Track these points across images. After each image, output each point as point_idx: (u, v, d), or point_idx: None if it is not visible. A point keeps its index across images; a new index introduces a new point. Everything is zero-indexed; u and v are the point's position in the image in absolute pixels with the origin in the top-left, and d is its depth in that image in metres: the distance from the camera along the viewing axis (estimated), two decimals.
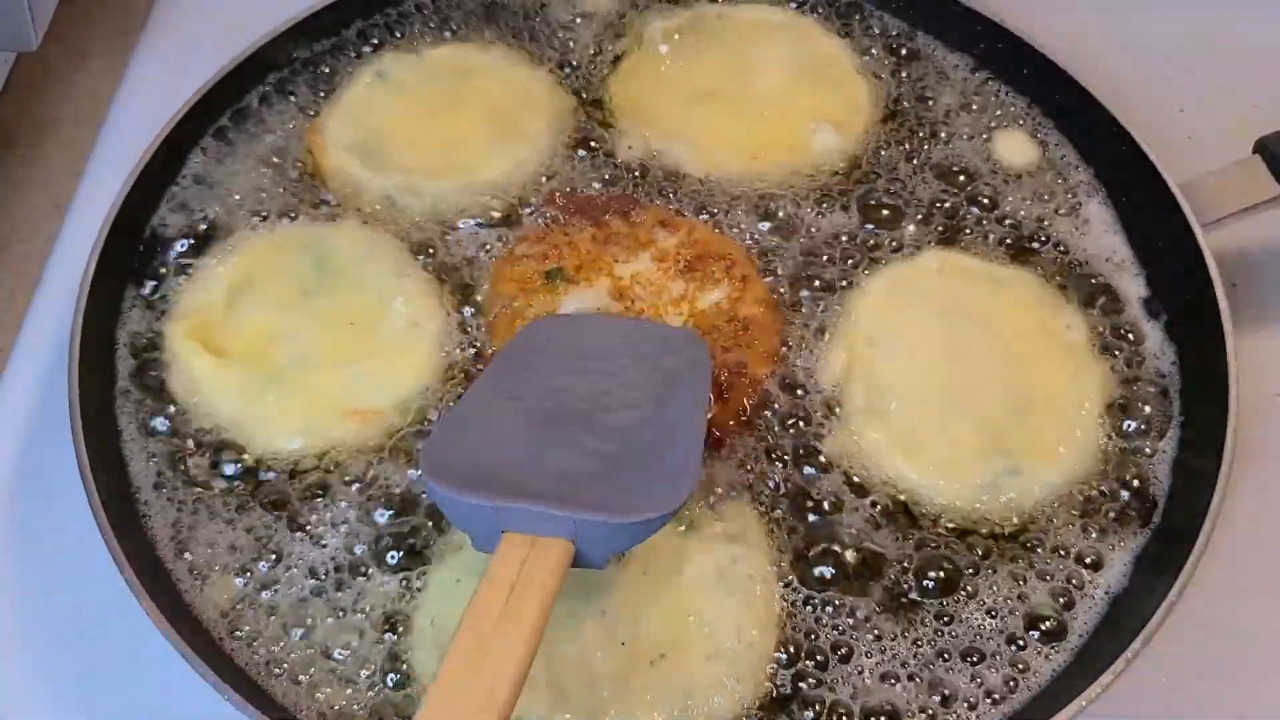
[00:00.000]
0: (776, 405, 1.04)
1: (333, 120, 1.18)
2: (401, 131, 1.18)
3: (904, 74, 1.26)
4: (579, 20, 1.28)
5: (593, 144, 1.19)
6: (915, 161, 1.20)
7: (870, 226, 1.15)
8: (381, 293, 1.07)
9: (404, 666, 0.92)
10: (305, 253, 1.10)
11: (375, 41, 1.25)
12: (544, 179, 1.16)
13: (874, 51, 1.27)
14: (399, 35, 1.26)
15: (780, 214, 1.15)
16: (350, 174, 1.15)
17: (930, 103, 1.24)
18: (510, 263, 1.10)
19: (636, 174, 1.17)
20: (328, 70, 1.23)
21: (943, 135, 1.22)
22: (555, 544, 0.79)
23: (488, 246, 1.12)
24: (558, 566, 0.78)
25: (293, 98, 1.21)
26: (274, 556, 0.97)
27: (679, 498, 0.84)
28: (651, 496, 0.83)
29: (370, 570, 0.96)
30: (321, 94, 1.21)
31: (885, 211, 1.16)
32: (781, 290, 1.10)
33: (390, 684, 0.92)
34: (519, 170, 1.16)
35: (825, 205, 1.16)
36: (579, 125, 1.21)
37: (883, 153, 1.20)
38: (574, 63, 1.25)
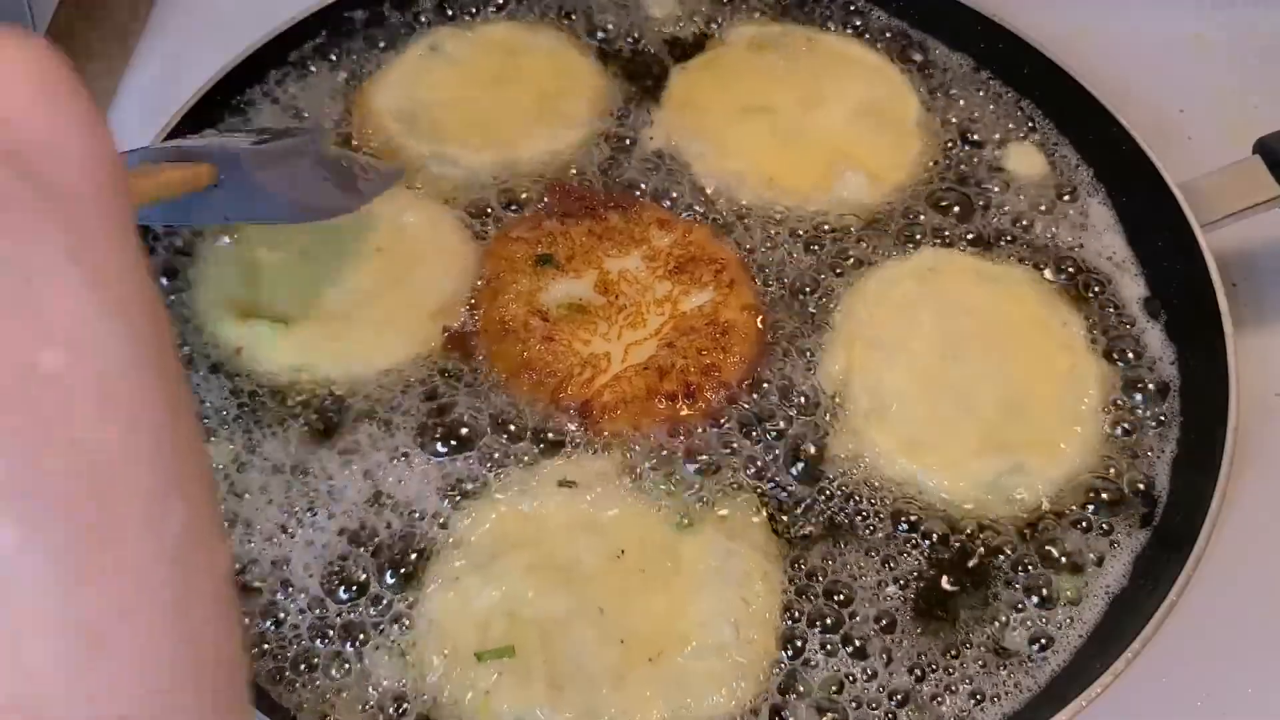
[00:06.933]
0: (777, 404, 1.04)
1: (381, 86, 1.20)
2: (447, 103, 1.19)
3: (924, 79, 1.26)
4: (639, 13, 1.29)
5: (623, 134, 1.20)
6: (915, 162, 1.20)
7: (870, 226, 1.15)
8: (389, 218, 1.10)
9: (407, 661, 0.92)
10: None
11: (426, 19, 1.27)
12: (574, 162, 1.17)
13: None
14: (451, 12, 1.28)
15: (779, 231, 1.14)
16: (390, 138, 1.16)
17: (931, 101, 1.24)
18: (505, 243, 1.11)
19: (650, 164, 1.17)
20: (343, 56, 1.24)
21: (943, 134, 1.22)
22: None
23: (500, 221, 1.13)
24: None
25: (293, 93, 1.21)
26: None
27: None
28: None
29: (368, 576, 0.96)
30: (314, 90, 1.22)
31: (885, 210, 1.16)
32: (778, 290, 1.10)
33: (394, 682, 0.92)
34: (555, 153, 1.17)
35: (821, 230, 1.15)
36: (618, 112, 1.21)
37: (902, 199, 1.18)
38: (623, 50, 1.26)
